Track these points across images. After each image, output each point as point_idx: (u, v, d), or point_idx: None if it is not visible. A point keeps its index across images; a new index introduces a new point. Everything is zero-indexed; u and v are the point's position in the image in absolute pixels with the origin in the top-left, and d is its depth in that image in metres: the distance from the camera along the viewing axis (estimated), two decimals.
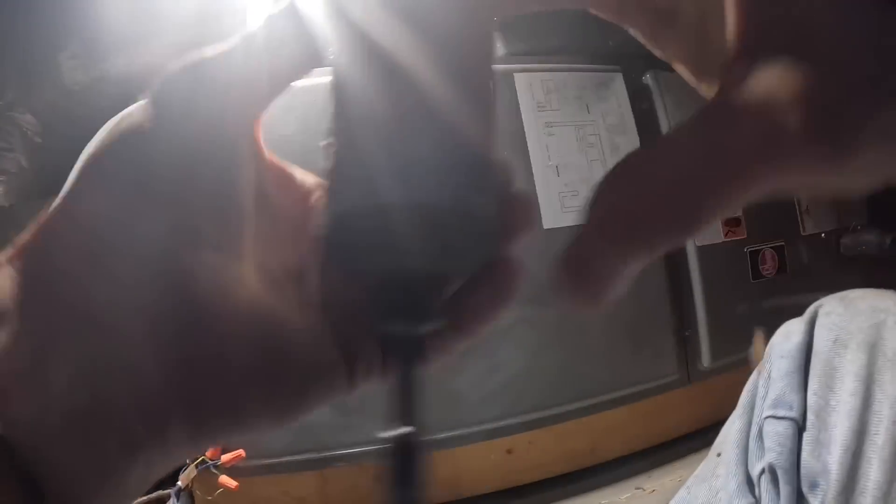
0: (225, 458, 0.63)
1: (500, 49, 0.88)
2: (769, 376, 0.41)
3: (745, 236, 0.87)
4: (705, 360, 0.82)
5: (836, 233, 0.97)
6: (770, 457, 0.37)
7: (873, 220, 0.99)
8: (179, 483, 0.61)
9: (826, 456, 0.36)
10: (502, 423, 0.73)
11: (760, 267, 0.88)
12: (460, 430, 0.72)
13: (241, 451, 0.64)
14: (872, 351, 0.38)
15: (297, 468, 0.71)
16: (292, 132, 0.72)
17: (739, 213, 0.88)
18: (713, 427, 0.46)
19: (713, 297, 0.83)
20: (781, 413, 0.38)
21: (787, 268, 0.90)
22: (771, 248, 0.89)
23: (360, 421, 0.70)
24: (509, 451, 0.78)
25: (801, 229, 0.94)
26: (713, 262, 0.84)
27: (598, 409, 0.77)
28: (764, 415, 0.39)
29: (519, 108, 0.78)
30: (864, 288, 0.44)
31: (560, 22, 0.90)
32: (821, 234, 0.96)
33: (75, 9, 0.90)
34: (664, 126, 0.85)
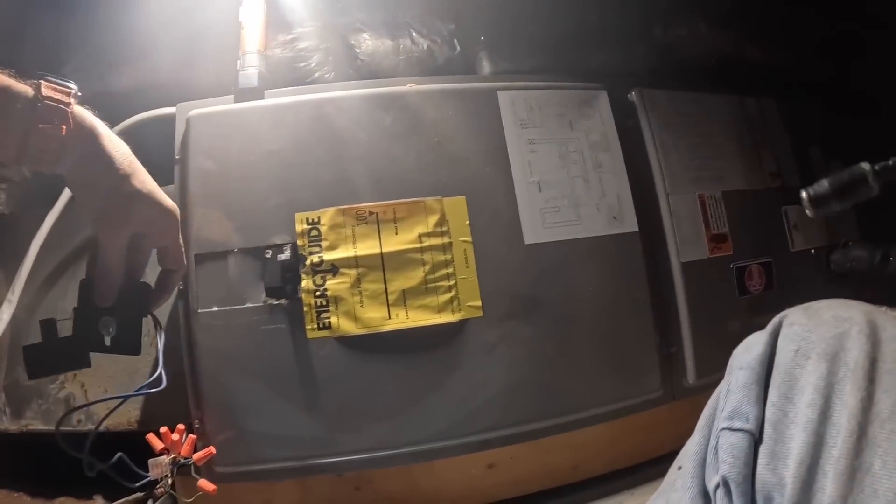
0: (196, 456, 0.64)
1: (485, 68, 0.90)
2: (728, 388, 0.40)
3: (732, 252, 0.87)
4: (690, 376, 0.81)
5: (825, 249, 0.97)
6: (723, 469, 0.37)
7: (864, 236, 0.99)
8: (150, 475, 0.61)
9: (782, 469, 0.36)
10: (483, 436, 0.73)
11: (747, 283, 0.88)
12: (440, 442, 0.72)
13: (211, 449, 0.65)
14: (834, 361, 0.37)
15: (278, 476, 0.71)
16: (280, 148, 0.74)
17: (726, 229, 0.88)
18: None
19: (699, 313, 0.83)
20: (737, 425, 0.38)
21: (775, 284, 0.90)
22: (758, 264, 0.89)
23: (341, 431, 0.71)
24: (490, 466, 0.77)
25: (790, 245, 0.94)
26: (698, 278, 0.84)
27: (581, 424, 0.76)
28: (720, 427, 0.39)
29: (502, 125, 0.79)
30: (832, 298, 0.44)
31: (544, 41, 0.91)
32: (810, 250, 0.95)
33: (79, 23, 0.92)
34: (649, 143, 0.86)
